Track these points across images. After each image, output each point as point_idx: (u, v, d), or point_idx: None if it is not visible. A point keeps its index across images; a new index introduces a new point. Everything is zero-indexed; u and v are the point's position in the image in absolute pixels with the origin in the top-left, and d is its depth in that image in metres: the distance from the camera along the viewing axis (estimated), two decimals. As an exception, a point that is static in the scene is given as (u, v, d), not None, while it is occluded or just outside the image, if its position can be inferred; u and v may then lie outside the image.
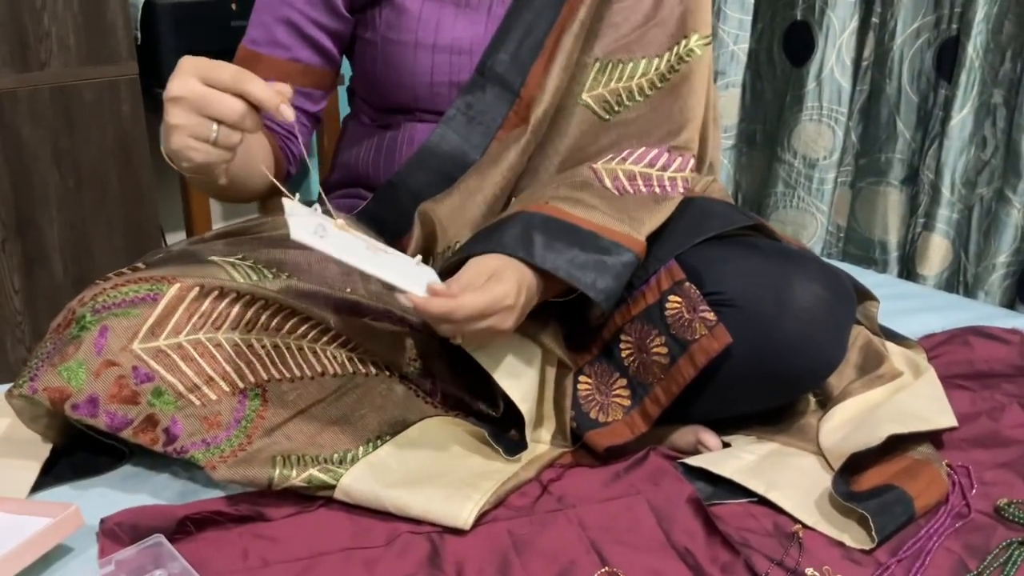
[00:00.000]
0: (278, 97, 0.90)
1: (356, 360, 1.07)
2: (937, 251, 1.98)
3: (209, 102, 0.89)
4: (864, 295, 1.27)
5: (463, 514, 0.96)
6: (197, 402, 0.99)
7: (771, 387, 1.09)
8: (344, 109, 1.74)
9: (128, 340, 0.97)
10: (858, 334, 1.23)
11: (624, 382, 1.10)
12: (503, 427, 1.10)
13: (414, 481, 1.00)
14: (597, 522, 0.98)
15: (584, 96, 1.17)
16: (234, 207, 2.61)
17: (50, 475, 1.03)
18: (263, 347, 1.02)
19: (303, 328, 1.05)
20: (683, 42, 1.16)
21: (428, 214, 1.11)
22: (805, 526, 0.98)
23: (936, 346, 1.34)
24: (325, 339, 1.06)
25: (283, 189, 0.95)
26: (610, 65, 1.17)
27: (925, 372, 1.21)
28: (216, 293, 1.00)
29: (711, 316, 1.03)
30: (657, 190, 1.13)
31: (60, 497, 1.01)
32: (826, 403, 1.17)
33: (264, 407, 1.01)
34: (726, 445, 1.12)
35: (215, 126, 0.90)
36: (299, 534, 0.96)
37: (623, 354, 1.10)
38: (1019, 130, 1.83)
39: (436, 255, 1.13)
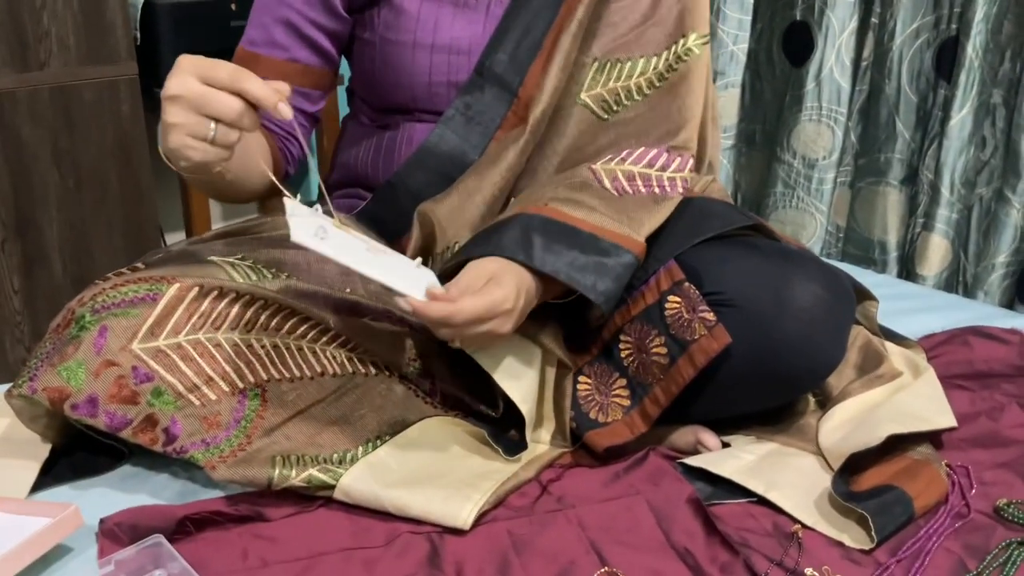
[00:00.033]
0: (276, 95, 0.90)
1: (356, 360, 1.07)
2: (936, 251, 1.98)
3: (207, 100, 0.89)
4: (863, 295, 1.27)
5: (463, 514, 0.96)
6: (197, 402, 0.99)
7: (771, 387, 1.09)
8: (344, 109, 1.74)
9: (127, 340, 0.97)
10: (857, 334, 1.23)
11: (624, 382, 1.10)
12: (503, 427, 1.10)
13: (414, 481, 1.00)
14: (597, 522, 0.98)
15: (582, 96, 1.17)
16: (234, 207, 2.60)
17: (49, 475, 1.03)
18: (263, 347, 1.02)
19: (303, 328, 1.05)
20: (681, 41, 1.16)
21: (427, 214, 1.11)
22: (804, 526, 0.98)
23: (935, 346, 1.34)
24: (325, 339, 1.06)
25: (283, 189, 0.95)
26: (608, 65, 1.17)
27: (924, 372, 1.21)
28: (215, 293, 1.00)
29: (710, 316, 1.03)
30: (656, 190, 1.13)
31: (60, 497, 1.01)
32: (826, 403, 1.17)
33: (264, 407, 1.01)
34: (726, 445, 1.12)
35: (213, 124, 0.90)
36: (299, 534, 0.95)
37: (623, 354, 1.10)
38: (1018, 130, 1.83)
39: (435, 255, 1.13)
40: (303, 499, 1.00)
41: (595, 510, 1.00)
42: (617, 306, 1.09)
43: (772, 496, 1.01)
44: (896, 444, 1.06)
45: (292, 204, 0.91)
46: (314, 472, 0.99)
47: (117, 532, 0.92)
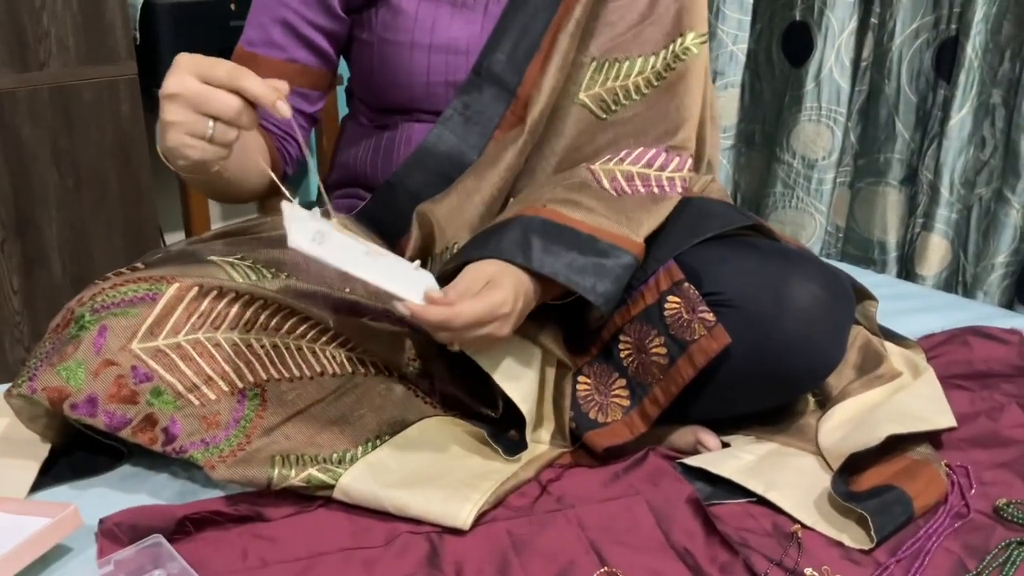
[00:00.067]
0: (274, 93, 0.90)
1: (355, 360, 1.07)
2: (936, 251, 1.98)
3: (205, 99, 0.89)
4: (863, 295, 1.27)
5: (462, 514, 0.96)
6: (196, 402, 0.99)
7: (770, 387, 1.09)
8: (343, 109, 1.74)
9: (127, 340, 0.97)
10: (857, 334, 1.23)
11: (623, 382, 1.10)
12: (502, 427, 1.10)
13: (413, 481, 1.00)
14: (596, 522, 0.98)
15: (581, 95, 1.17)
16: (233, 207, 2.60)
17: (49, 475, 1.03)
18: (262, 347, 1.02)
19: (302, 328, 1.04)
20: (679, 40, 1.16)
21: (426, 215, 1.11)
22: (804, 526, 0.98)
23: (935, 346, 1.34)
24: (324, 339, 1.06)
25: (283, 188, 0.95)
26: (606, 64, 1.17)
27: (924, 372, 1.21)
28: (215, 293, 1.00)
29: (710, 316, 1.03)
30: (655, 190, 1.13)
31: (59, 497, 1.01)
32: (825, 403, 1.17)
33: (263, 407, 1.01)
34: (725, 445, 1.12)
35: (211, 123, 0.90)
36: (298, 534, 0.95)
37: (622, 354, 1.10)
38: (1018, 130, 1.83)
39: (434, 256, 1.13)
40: (303, 499, 1.00)
41: (595, 510, 1.00)
42: (616, 306, 1.09)
43: (772, 496, 1.01)
44: (896, 444, 1.06)
45: (289, 208, 0.90)
46: (313, 472, 0.99)
47: (116, 532, 0.92)
